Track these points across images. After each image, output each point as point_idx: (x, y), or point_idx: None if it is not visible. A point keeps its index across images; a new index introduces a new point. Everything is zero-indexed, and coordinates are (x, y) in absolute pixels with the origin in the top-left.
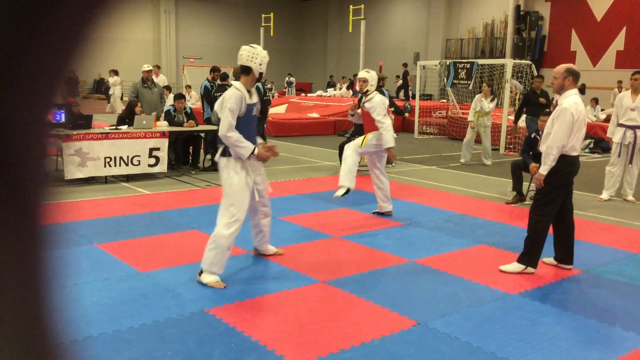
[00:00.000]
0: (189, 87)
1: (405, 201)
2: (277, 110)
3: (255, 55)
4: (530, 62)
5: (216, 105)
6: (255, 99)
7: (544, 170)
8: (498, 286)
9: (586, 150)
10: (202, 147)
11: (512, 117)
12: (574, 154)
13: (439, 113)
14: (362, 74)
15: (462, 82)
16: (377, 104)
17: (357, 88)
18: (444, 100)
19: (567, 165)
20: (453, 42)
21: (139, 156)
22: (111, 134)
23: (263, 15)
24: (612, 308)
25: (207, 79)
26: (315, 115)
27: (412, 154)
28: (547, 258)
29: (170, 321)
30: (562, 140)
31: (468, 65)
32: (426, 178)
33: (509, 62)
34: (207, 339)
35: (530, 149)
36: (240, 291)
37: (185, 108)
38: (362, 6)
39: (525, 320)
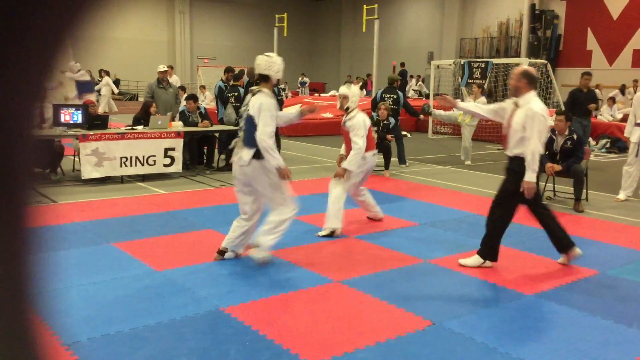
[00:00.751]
0: (203, 87)
1: (420, 201)
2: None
3: (272, 64)
4: (545, 62)
5: (252, 110)
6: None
7: (532, 177)
8: (514, 287)
9: (603, 150)
10: (217, 147)
11: None
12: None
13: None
14: (342, 89)
15: (476, 81)
16: (358, 124)
17: (338, 105)
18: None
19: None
20: (467, 42)
21: (154, 156)
22: (127, 134)
23: (277, 16)
24: (629, 309)
25: (222, 80)
26: (328, 115)
27: (426, 154)
28: (559, 259)
29: (186, 320)
30: (542, 143)
31: (483, 65)
32: (440, 178)
33: (524, 61)
34: (223, 337)
35: (546, 149)
36: (255, 290)
37: (199, 108)
38: (376, 6)
39: (541, 321)
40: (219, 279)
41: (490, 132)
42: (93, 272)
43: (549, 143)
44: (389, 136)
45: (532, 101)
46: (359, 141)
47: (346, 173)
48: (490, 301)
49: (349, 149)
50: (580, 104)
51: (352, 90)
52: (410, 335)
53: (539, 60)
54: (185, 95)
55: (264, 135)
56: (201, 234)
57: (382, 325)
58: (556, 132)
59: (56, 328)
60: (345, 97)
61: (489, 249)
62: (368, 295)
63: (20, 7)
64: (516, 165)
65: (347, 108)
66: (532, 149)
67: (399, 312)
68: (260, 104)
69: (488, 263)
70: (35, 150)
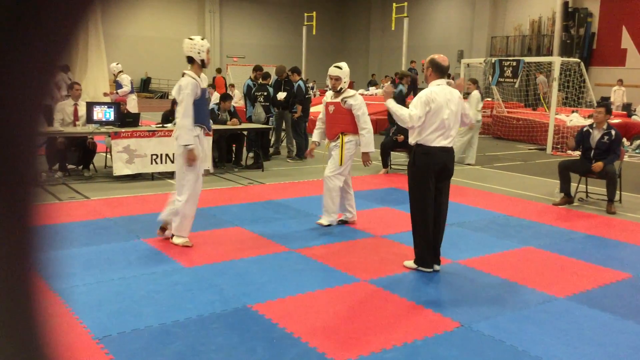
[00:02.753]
0: (232, 85)
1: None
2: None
3: (193, 45)
4: (578, 60)
5: (174, 92)
6: (205, 84)
7: (390, 104)
8: (544, 289)
9: (637, 151)
10: (245, 145)
11: (560, 117)
12: (431, 144)
13: (483, 112)
14: (332, 70)
15: (507, 80)
16: (362, 103)
17: (329, 86)
18: (489, 99)
19: (422, 155)
20: (498, 40)
21: None
22: (157, 132)
23: (306, 14)
24: None
25: (250, 78)
26: None
27: (456, 153)
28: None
29: (214, 316)
30: (411, 117)
31: (514, 63)
32: (470, 178)
33: (556, 60)
34: (250, 334)
35: (582, 143)
36: (282, 288)
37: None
38: (406, 4)
39: (572, 324)
40: (247, 276)
41: (521, 132)
42: (123, 268)
43: (585, 137)
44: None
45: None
46: (369, 121)
47: (368, 156)
48: (520, 303)
49: (337, 129)
50: None
51: (344, 71)
52: (438, 337)
53: (571, 59)
54: (218, 94)
55: (179, 114)
56: (229, 231)
57: (409, 326)
58: (594, 125)
59: (87, 322)
60: (337, 79)
61: (417, 255)
62: (395, 295)
63: (27, 5)
64: (412, 155)
65: (340, 89)
66: (403, 112)
67: (427, 312)
68: (179, 86)
69: (423, 269)
70: (39, 147)
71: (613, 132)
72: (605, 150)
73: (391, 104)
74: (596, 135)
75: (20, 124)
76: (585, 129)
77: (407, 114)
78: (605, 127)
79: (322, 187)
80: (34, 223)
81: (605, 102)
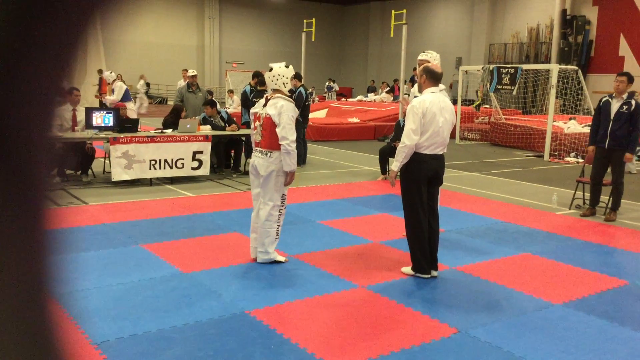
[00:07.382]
0: (231, 91)
1: (446, 207)
2: (317, 115)
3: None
4: (576, 68)
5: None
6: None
7: (395, 166)
8: (541, 295)
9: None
10: (244, 150)
11: (558, 124)
12: (424, 152)
13: (482, 119)
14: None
15: (505, 87)
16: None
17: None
18: (487, 106)
19: (414, 162)
20: (496, 47)
21: (183, 159)
22: (156, 138)
23: (305, 21)
24: None
25: (250, 84)
26: (355, 120)
27: (454, 160)
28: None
29: (212, 322)
30: (410, 137)
31: (512, 71)
32: (467, 184)
33: (554, 68)
34: (248, 340)
35: (599, 113)
36: (280, 294)
37: (219, 113)
38: (404, 11)
39: (570, 331)
40: (245, 282)
41: (519, 139)
42: (122, 273)
43: (604, 108)
44: None
45: (421, 95)
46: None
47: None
48: (517, 310)
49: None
50: None
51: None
52: (435, 343)
53: (569, 67)
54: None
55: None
56: (228, 237)
57: (406, 332)
58: (613, 95)
59: (85, 327)
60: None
61: (413, 262)
62: (393, 302)
63: (38, 8)
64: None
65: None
66: (401, 139)
67: (424, 318)
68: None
69: (420, 275)
70: (53, 152)
71: (633, 102)
72: (625, 120)
73: (395, 165)
74: (615, 105)
75: (32, 127)
76: (604, 98)
77: (405, 137)
78: (625, 97)
79: (320, 194)
80: (45, 227)
81: (626, 72)
